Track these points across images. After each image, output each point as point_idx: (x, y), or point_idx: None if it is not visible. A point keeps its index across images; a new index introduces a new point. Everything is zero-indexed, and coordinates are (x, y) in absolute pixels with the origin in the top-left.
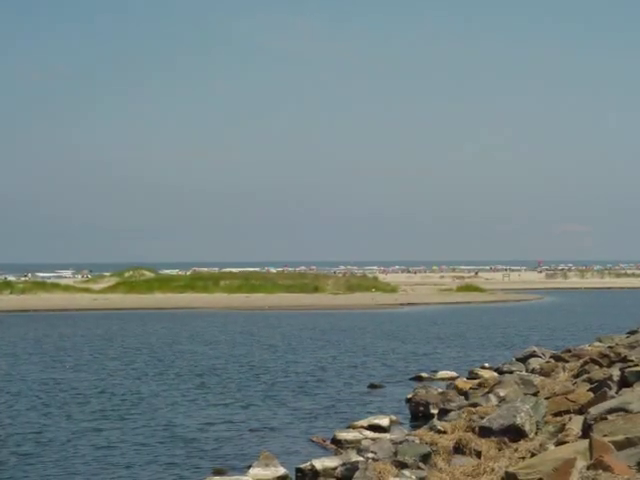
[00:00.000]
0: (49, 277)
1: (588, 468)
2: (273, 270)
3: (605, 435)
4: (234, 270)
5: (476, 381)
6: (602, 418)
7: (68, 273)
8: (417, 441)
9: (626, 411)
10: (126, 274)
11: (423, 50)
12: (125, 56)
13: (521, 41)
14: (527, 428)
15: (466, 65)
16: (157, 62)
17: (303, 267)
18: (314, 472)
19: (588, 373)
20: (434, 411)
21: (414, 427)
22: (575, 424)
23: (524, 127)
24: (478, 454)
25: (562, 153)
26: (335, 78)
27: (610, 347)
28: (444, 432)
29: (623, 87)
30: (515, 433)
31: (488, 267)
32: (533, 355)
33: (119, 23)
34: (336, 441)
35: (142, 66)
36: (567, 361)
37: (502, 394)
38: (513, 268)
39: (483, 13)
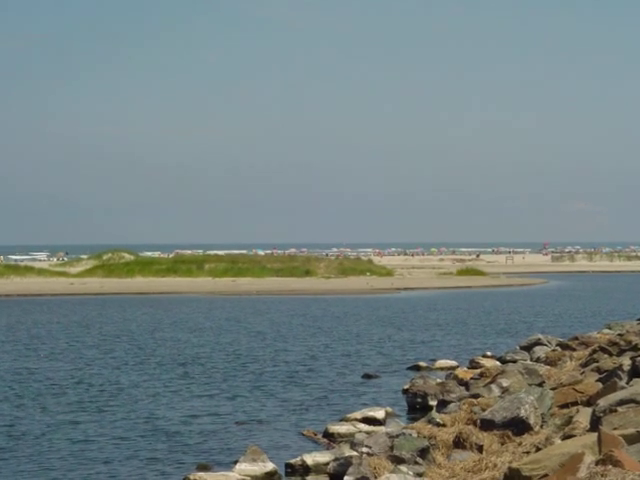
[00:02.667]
0: (22, 260)
1: (597, 463)
2: (261, 253)
3: (615, 428)
4: (220, 253)
5: (477, 371)
6: (612, 410)
7: (43, 256)
8: (414, 435)
9: (637, 403)
10: (104, 257)
11: (420, 18)
12: (103, 23)
13: (524, 9)
14: (532, 421)
15: (466, 35)
16: (138, 30)
17: (293, 249)
18: (305, 467)
19: (597, 362)
20: (433, 403)
21: (411, 420)
22: (583, 416)
23: (528, 99)
24: (479, 448)
25: (570, 126)
26: (327, 48)
27: (620, 334)
28: (443, 425)
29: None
30: (519, 426)
31: (490, 249)
32: (538, 343)
33: None
34: (328, 435)
35: (121, 35)
36: (574, 349)
37: (505, 384)
38: (517, 250)
39: None
